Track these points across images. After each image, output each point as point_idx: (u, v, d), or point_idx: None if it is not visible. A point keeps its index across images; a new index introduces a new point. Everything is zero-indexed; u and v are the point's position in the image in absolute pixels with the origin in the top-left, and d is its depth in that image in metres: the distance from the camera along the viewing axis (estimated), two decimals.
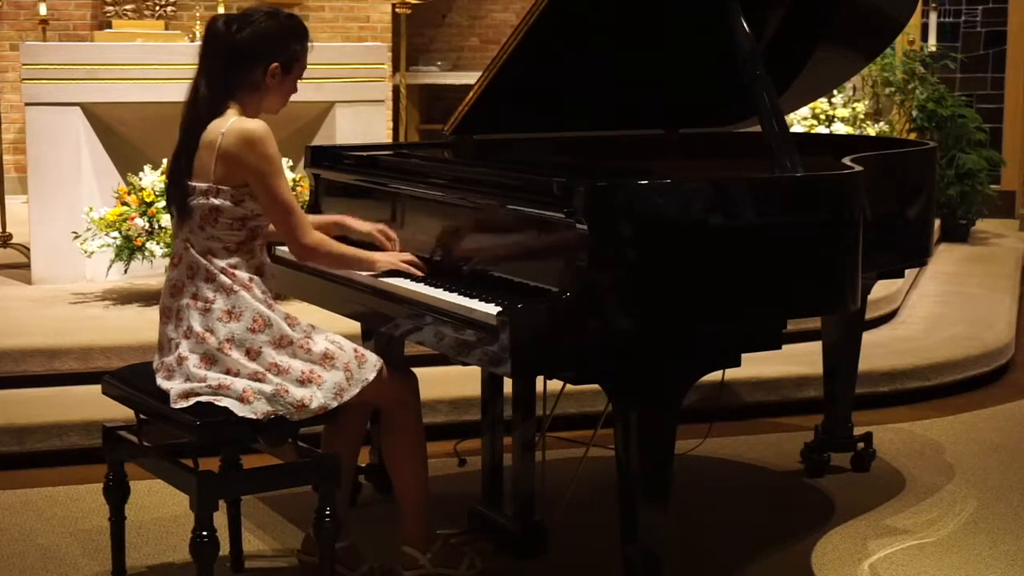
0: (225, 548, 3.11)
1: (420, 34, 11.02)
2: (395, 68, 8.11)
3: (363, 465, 3.86)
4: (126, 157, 6.05)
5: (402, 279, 3.10)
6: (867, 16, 4.04)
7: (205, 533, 2.85)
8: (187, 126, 3.02)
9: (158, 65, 6.03)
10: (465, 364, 2.95)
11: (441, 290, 2.94)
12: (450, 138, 3.79)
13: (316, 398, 2.93)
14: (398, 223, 3.39)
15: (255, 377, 2.91)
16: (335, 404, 2.96)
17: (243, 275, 2.97)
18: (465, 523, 3.52)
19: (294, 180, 5.47)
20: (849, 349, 4.25)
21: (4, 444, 4.26)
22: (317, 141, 6.09)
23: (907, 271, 4.55)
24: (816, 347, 4.32)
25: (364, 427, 3.44)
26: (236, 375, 2.91)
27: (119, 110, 6.07)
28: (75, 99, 5.95)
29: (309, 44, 3.11)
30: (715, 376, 3.14)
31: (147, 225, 5.35)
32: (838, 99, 8.16)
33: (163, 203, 5.32)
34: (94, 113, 6.03)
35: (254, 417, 2.89)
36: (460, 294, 2.88)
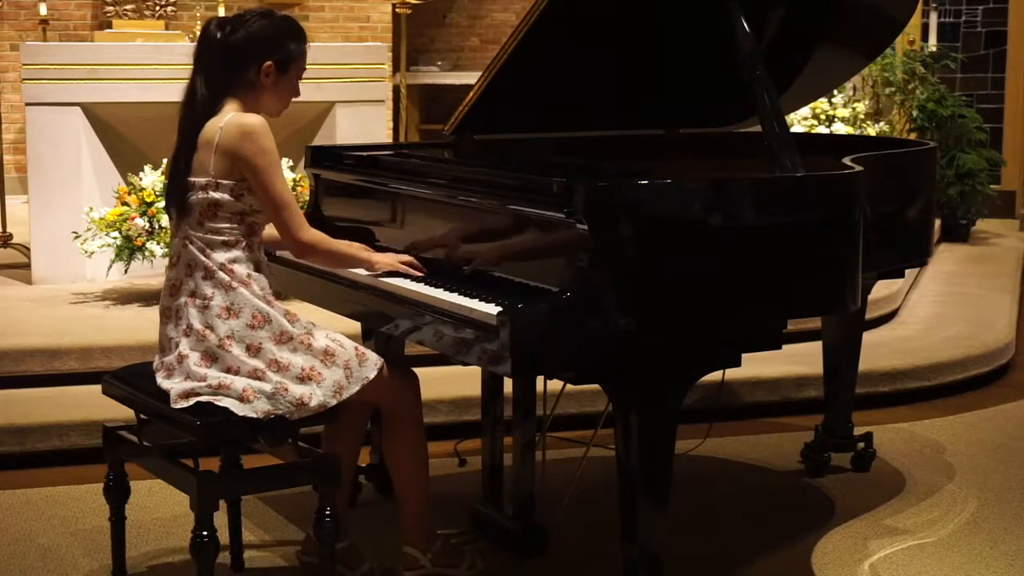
0: (225, 548, 3.11)
1: (420, 34, 11.03)
2: (395, 68, 8.11)
3: (363, 465, 3.86)
4: (126, 157, 6.05)
5: (402, 279, 3.10)
6: (867, 16, 4.04)
7: (205, 533, 2.85)
8: (184, 127, 3.03)
9: (158, 65, 6.03)
10: (465, 364, 2.94)
11: (441, 290, 2.94)
12: (450, 138, 3.79)
13: (316, 395, 2.93)
14: (398, 223, 3.39)
15: (255, 375, 2.91)
16: (335, 402, 2.96)
17: (242, 271, 2.97)
18: (465, 523, 3.52)
19: (294, 180, 5.47)
20: (849, 349, 4.25)
21: (4, 444, 4.26)
22: (317, 141, 6.09)
23: (907, 271, 4.55)
24: (816, 347, 4.32)
25: (364, 427, 3.44)
26: (236, 373, 2.91)
27: (119, 110, 6.07)
28: (75, 99, 5.95)
29: (306, 44, 3.12)
30: (715, 376, 3.14)
31: (147, 225, 5.35)
32: (838, 99, 8.16)
33: (163, 203, 5.32)
34: (94, 113, 6.03)
35: (254, 416, 2.89)
36: (460, 294, 2.88)
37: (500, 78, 3.52)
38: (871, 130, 8.22)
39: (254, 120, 2.96)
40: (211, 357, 2.93)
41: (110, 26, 9.18)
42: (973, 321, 6.13)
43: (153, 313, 5.23)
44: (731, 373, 3.52)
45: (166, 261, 5.27)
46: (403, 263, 3.14)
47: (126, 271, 5.50)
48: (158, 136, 5.96)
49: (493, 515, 3.50)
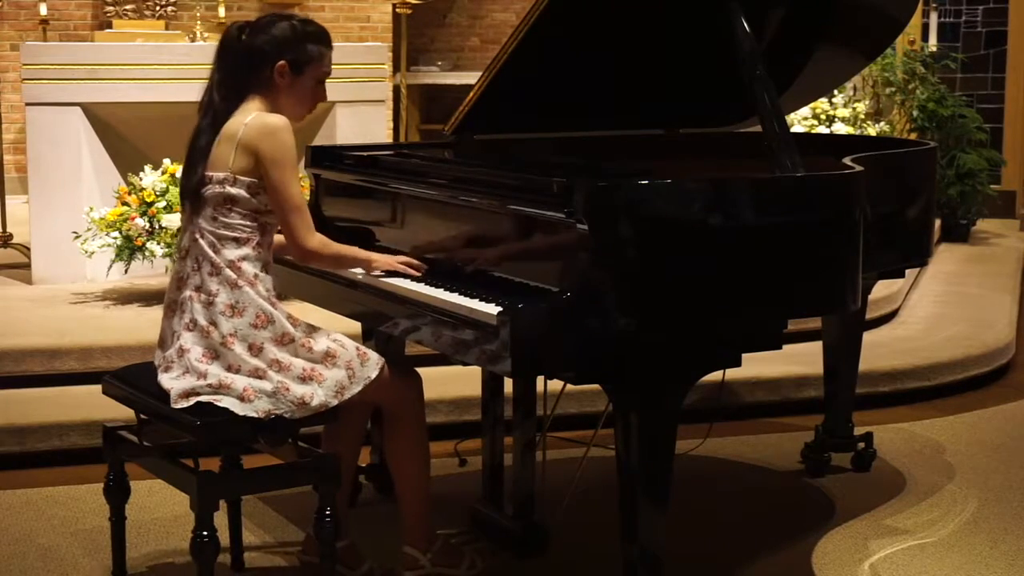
0: (225, 548, 3.11)
1: (420, 34, 11.03)
2: (395, 68, 8.11)
3: (363, 465, 3.86)
4: (126, 157, 6.05)
5: (402, 279, 3.10)
6: (867, 16, 4.04)
7: (205, 533, 2.85)
8: (201, 125, 3.04)
9: (158, 65, 6.03)
10: (465, 364, 2.95)
11: (441, 290, 2.94)
12: (450, 138, 3.79)
13: (317, 395, 2.93)
14: (398, 223, 3.39)
15: (256, 374, 2.91)
16: (336, 402, 2.96)
17: (249, 271, 2.97)
18: (465, 523, 3.52)
19: None
20: (849, 349, 4.25)
21: (4, 444, 4.27)
22: (317, 141, 6.08)
23: (907, 271, 4.54)
24: (816, 347, 4.32)
25: (365, 427, 3.44)
26: (237, 371, 2.91)
27: (119, 110, 6.07)
28: (75, 99, 5.95)
29: (328, 49, 3.12)
30: (715, 376, 3.14)
31: (147, 225, 5.35)
32: (839, 99, 8.16)
33: (163, 203, 5.33)
34: (94, 113, 6.03)
35: (255, 416, 2.89)
36: (460, 294, 2.88)
37: (500, 78, 3.52)
38: (871, 130, 8.22)
39: (278, 120, 2.98)
40: (213, 354, 2.94)
41: (110, 26, 9.17)
42: (973, 321, 6.13)
43: (153, 313, 5.25)
44: (731, 373, 3.52)
45: (166, 261, 5.34)
46: (402, 263, 3.14)
47: (126, 271, 5.50)
48: (158, 136, 5.99)
49: (493, 515, 3.50)
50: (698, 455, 4.26)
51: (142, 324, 5.08)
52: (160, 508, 3.82)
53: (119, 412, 3.33)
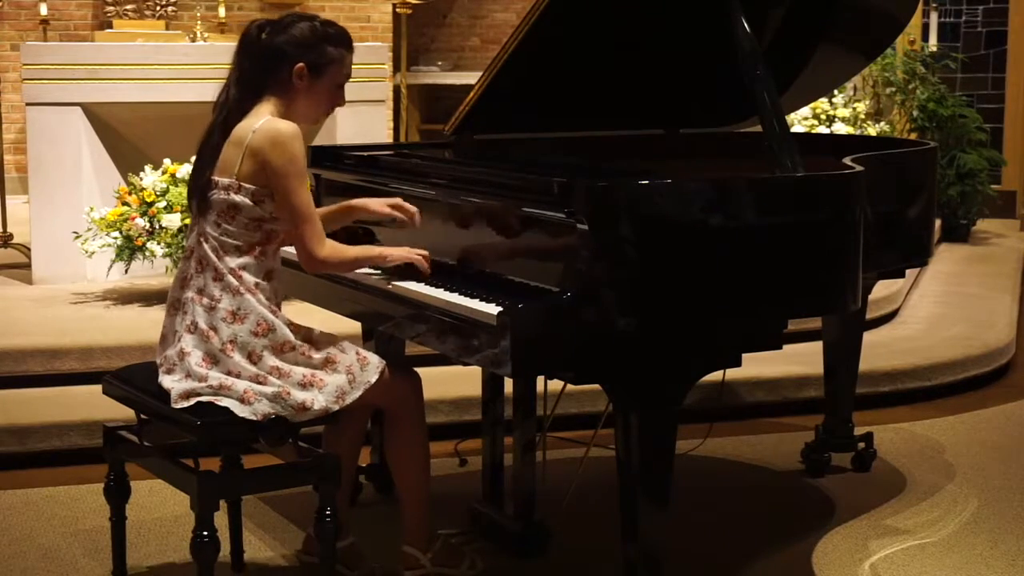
0: (226, 548, 3.11)
1: (421, 34, 11.03)
2: (396, 68, 8.11)
3: (364, 465, 3.86)
4: (127, 157, 6.05)
5: (405, 281, 3.09)
6: (868, 16, 4.04)
7: (206, 533, 2.85)
8: (215, 122, 3.02)
9: (159, 65, 6.03)
10: (465, 364, 2.95)
11: (441, 290, 2.95)
12: (451, 138, 3.79)
13: (318, 401, 2.93)
14: (398, 223, 3.38)
15: (257, 380, 2.91)
16: (337, 408, 2.96)
17: (250, 279, 2.96)
18: (465, 523, 3.52)
19: None
20: (850, 349, 4.25)
21: (5, 444, 4.27)
22: (317, 141, 6.08)
23: (908, 271, 4.54)
24: (816, 347, 4.32)
25: (365, 427, 3.44)
26: (238, 376, 2.91)
27: (120, 110, 6.07)
28: (76, 99, 5.95)
29: (349, 52, 3.08)
30: (715, 376, 3.14)
31: (148, 225, 5.35)
32: (839, 99, 8.16)
33: (163, 203, 5.33)
34: (95, 113, 6.03)
35: (255, 418, 2.89)
36: (460, 294, 2.88)
37: (500, 78, 3.52)
38: (871, 130, 8.22)
39: (287, 127, 2.93)
40: (212, 359, 2.93)
41: (110, 26, 9.18)
42: (973, 321, 6.13)
43: (154, 313, 5.26)
44: (731, 373, 3.51)
45: (167, 261, 5.34)
46: (418, 254, 3.09)
47: (126, 271, 5.50)
48: (158, 136, 6.00)
49: (493, 515, 3.50)
50: (698, 455, 4.26)
51: (142, 324, 5.09)
52: (160, 508, 3.82)
53: (119, 412, 3.33)
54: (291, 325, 2.99)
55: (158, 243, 5.34)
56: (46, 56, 5.98)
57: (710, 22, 3.34)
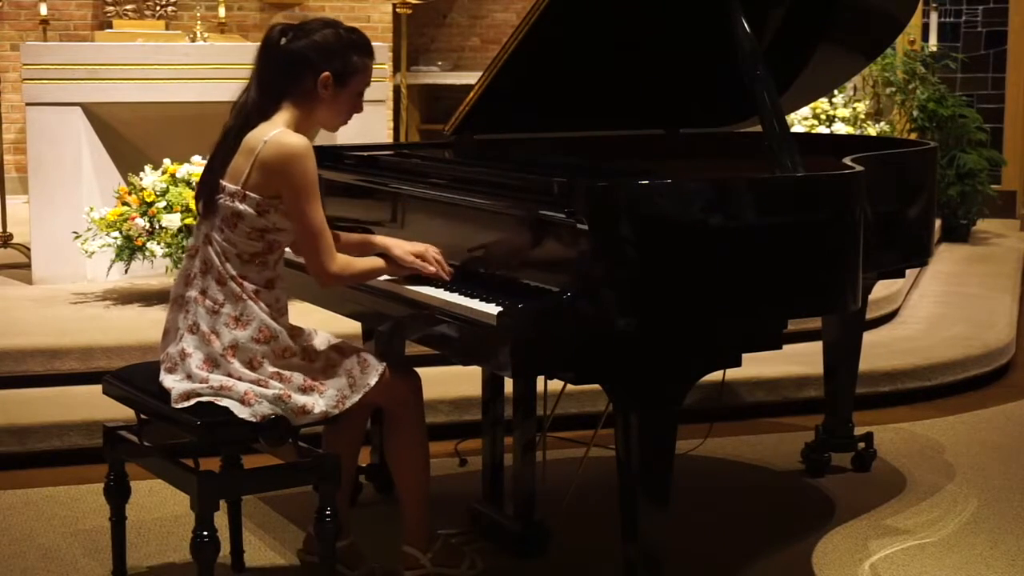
0: (226, 548, 3.11)
1: (421, 34, 11.03)
2: (396, 68, 8.11)
3: (364, 465, 3.86)
4: (127, 157, 6.05)
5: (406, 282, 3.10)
6: (868, 16, 4.04)
7: (206, 533, 2.85)
8: (231, 126, 2.98)
9: (159, 65, 6.03)
10: (465, 364, 2.95)
11: (442, 290, 2.95)
12: (451, 138, 3.79)
13: (318, 404, 2.93)
14: (398, 223, 3.39)
15: (258, 383, 2.91)
16: (337, 411, 2.96)
17: (251, 287, 2.95)
18: (465, 523, 3.52)
19: None
20: (850, 349, 4.26)
21: (5, 444, 4.27)
22: (317, 141, 6.01)
23: (908, 271, 4.54)
24: (816, 347, 4.32)
25: (365, 427, 3.44)
26: (239, 379, 2.91)
27: (120, 110, 6.07)
28: (76, 99, 5.95)
29: (371, 60, 3.05)
30: (715, 376, 3.14)
31: (148, 225, 5.35)
32: (839, 99, 8.16)
33: (163, 203, 5.32)
34: (95, 113, 6.03)
35: (255, 420, 2.88)
36: (460, 294, 2.88)
37: (500, 78, 3.52)
38: (871, 130, 8.22)
39: (298, 141, 2.89)
40: (213, 363, 2.93)
41: (110, 26, 9.18)
42: (973, 321, 6.13)
43: (154, 313, 5.26)
44: (731, 373, 3.51)
45: (167, 261, 5.34)
46: (433, 255, 3.04)
47: (126, 271, 5.50)
48: (159, 136, 6.00)
49: (493, 515, 3.50)
50: (698, 455, 4.26)
51: (142, 324, 5.09)
52: (160, 508, 3.82)
53: (119, 412, 3.33)
54: (292, 330, 2.99)
55: (158, 243, 5.34)
56: (46, 56, 5.98)
57: (710, 22, 3.34)
